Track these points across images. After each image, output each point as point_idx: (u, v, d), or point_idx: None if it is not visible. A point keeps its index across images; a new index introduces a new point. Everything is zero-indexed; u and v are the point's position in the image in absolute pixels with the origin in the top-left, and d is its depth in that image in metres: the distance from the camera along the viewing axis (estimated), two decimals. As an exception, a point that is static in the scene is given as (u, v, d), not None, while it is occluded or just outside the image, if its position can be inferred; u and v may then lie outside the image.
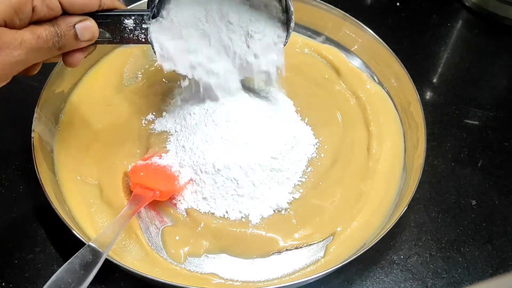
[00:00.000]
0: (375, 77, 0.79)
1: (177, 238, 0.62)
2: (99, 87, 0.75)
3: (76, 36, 0.54)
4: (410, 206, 0.61)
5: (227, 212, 0.64)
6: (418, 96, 0.71)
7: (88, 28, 0.55)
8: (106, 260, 0.54)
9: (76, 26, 0.54)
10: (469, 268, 0.65)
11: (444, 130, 0.78)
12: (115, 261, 0.56)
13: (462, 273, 0.64)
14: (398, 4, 0.94)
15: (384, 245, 0.65)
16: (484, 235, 0.68)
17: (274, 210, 0.65)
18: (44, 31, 0.52)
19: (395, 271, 0.64)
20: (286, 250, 0.62)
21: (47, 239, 0.64)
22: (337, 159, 0.70)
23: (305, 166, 0.68)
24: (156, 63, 0.76)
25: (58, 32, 0.53)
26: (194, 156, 0.64)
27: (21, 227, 0.65)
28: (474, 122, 0.80)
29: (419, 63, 0.85)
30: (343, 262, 0.58)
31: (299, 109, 0.74)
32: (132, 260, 0.60)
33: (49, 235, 0.64)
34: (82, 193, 0.65)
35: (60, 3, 0.54)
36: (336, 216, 0.65)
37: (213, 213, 0.64)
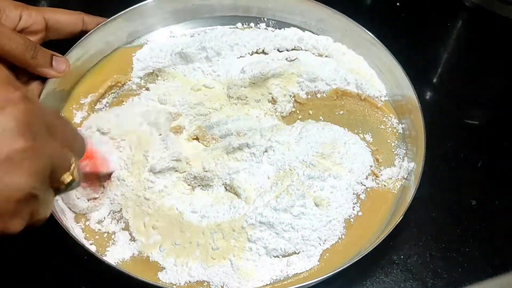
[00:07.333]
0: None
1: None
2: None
3: (51, 62, 0.63)
4: (410, 206, 0.61)
5: None
6: (417, 96, 0.70)
7: (63, 61, 0.65)
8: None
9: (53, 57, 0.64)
10: (469, 268, 0.65)
11: (444, 130, 0.78)
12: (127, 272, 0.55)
13: (462, 273, 0.64)
14: (398, 4, 0.93)
15: (384, 245, 0.64)
16: (484, 235, 0.68)
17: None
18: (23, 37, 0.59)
19: (395, 271, 0.64)
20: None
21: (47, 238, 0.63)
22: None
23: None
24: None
25: (37, 47, 0.61)
26: None
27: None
28: (474, 122, 0.80)
29: (419, 63, 0.84)
30: (344, 266, 0.57)
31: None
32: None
33: (49, 234, 0.64)
34: (82, 192, 0.64)
35: (45, 21, 0.63)
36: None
37: None
